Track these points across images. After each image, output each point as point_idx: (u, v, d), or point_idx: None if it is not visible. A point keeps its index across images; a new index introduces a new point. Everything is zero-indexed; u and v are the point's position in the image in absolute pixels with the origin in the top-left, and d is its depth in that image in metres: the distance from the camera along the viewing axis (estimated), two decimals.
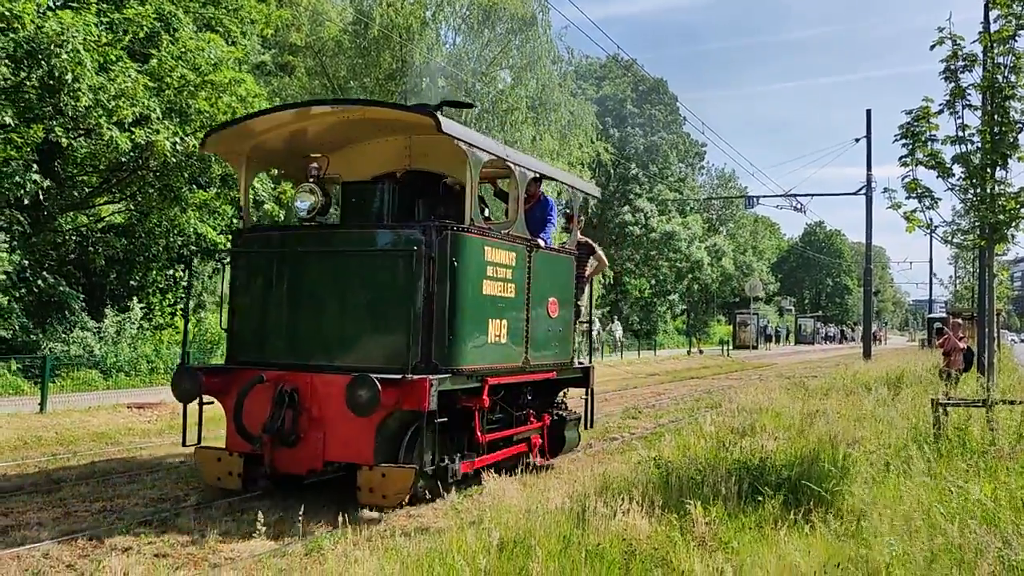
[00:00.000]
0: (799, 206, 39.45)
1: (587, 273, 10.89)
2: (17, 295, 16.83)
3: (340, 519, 6.79)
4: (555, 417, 10.45)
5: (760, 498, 6.75)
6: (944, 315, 37.88)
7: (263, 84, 24.35)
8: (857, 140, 34.59)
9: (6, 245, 15.88)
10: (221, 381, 8.28)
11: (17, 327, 16.79)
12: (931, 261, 53.67)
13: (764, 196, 58.27)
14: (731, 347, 51.93)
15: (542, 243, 9.41)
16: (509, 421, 9.47)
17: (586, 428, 11.10)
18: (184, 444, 8.65)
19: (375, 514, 7.57)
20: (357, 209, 8.79)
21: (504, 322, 8.60)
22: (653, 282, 55.27)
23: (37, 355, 16.05)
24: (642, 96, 57.03)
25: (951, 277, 50.47)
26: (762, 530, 6.09)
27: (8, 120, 14.20)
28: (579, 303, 10.69)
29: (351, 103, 9.44)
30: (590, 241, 11.16)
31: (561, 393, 10.90)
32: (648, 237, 53.41)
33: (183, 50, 16.82)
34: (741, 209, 71.63)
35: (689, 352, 46.46)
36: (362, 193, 8.90)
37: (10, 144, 14.69)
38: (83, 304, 18.71)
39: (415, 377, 7.37)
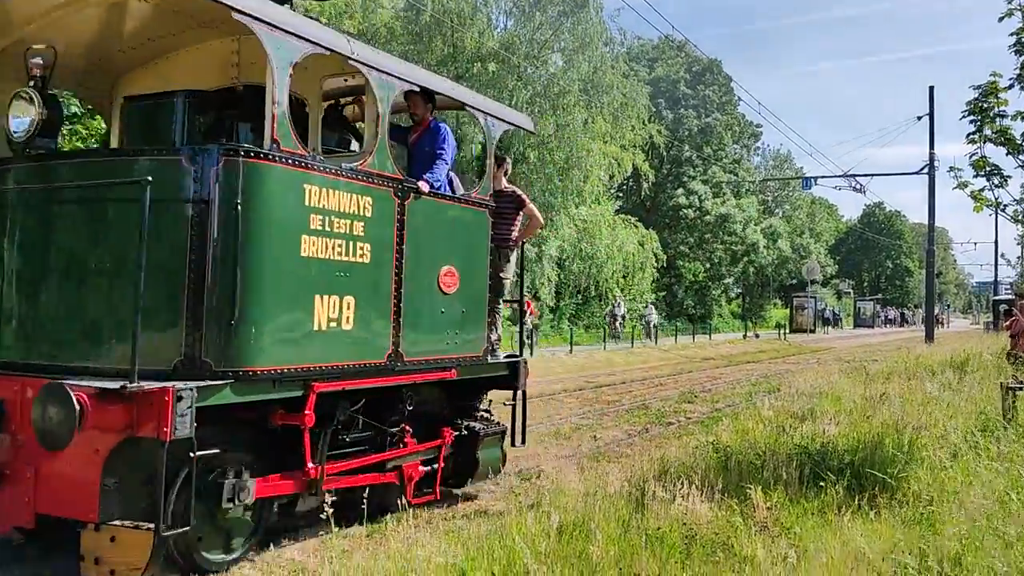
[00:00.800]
0: (858, 187, 38.66)
1: (514, 235, 8.10)
2: None
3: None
4: (462, 432, 7.57)
5: (822, 483, 6.66)
6: (1011, 296, 36.84)
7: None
8: (919, 118, 33.75)
9: None
10: None
11: None
12: (996, 241, 52.13)
13: (822, 177, 57.17)
14: (788, 331, 51.15)
15: (425, 187, 6.57)
16: (381, 442, 6.72)
17: (514, 445, 8.26)
18: None
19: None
20: (142, 137, 6.47)
21: (349, 300, 5.85)
22: (707, 265, 54.68)
23: None
24: (696, 77, 56.27)
25: (1019, 257, 49.01)
26: (825, 516, 6.01)
27: (75, 110, 14.56)
28: (502, 274, 7.91)
29: None
30: (518, 191, 8.25)
31: (486, 399, 8.24)
32: (702, 220, 52.83)
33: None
34: (798, 190, 70.36)
35: (745, 336, 45.90)
36: (148, 113, 6.40)
37: (76, 135, 15.08)
38: None
39: (146, 387, 4.69)
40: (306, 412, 5.59)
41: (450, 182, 7.44)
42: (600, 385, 19.09)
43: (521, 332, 9.32)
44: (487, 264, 7.48)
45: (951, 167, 9.43)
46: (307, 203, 5.52)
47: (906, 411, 9.54)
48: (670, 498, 6.12)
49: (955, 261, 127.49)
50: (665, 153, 51.61)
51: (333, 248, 5.73)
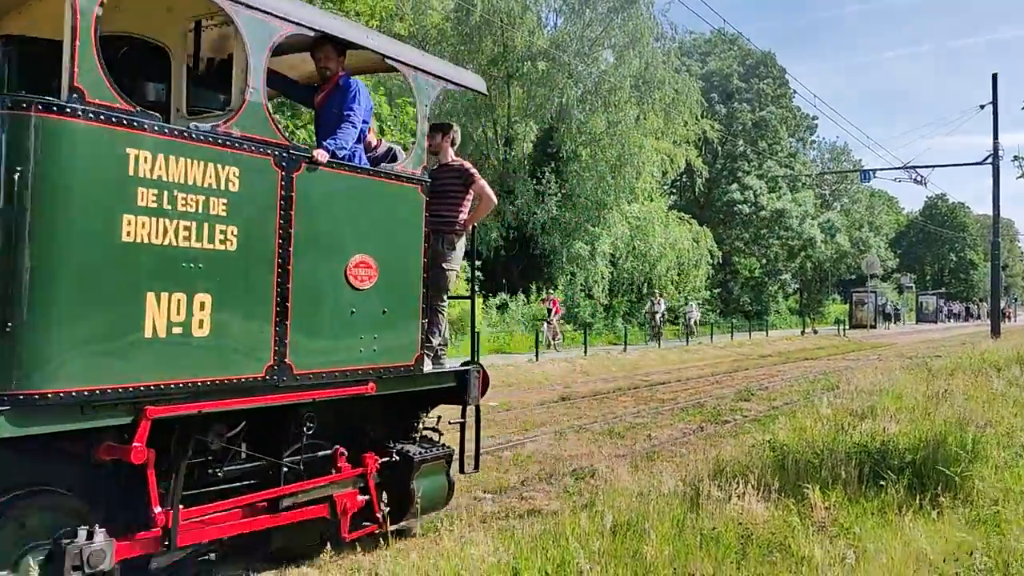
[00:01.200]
0: (919, 178, 37.72)
1: (461, 217, 6.71)
2: None
3: (455, 502, 6.91)
4: (392, 458, 6.25)
5: (882, 482, 6.54)
6: None
7: (369, 75, 24.88)
8: (982, 107, 32.79)
9: None
10: None
11: None
12: None
13: (881, 169, 55.98)
14: (847, 327, 50.18)
15: (322, 156, 5.25)
16: (273, 475, 5.50)
17: (463, 471, 6.94)
18: None
19: (488, 495, 7.66)
20: None
21: (203, 298, 4.57)
22: (763, 261, 53.97)
23: None
24: (749, 70, 55.53)
25: None
26: (885, 515, 5.91)
27: None
28: (445, 265, 6.54)
29: None
30: (466, 164, 6.88)
31: (429, 416, 6.89)
32: (758, 215, 52.11)
33: None
34: (856, 183, 69.07)
35: (803, 332, 45.17)
36: None
37: None
38: None
39: None
40: (135, 444, 4.31)
41: (392, 157, 6.44)
42: (655, 383, 18.97)
43: (473, 335, 7.51)
44: (421, 252, 6.04)
45: (1015, 156, 9.17)
46: (132, 173, 4.22)
47: (970, 408, 9.30)
48: (725, 498, 6.07)
49: (1022, 253, 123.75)
50: (719, 148, 51.06)
51: (177, 232, 4.42)
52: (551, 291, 27.75)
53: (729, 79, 54.61)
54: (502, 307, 28.62)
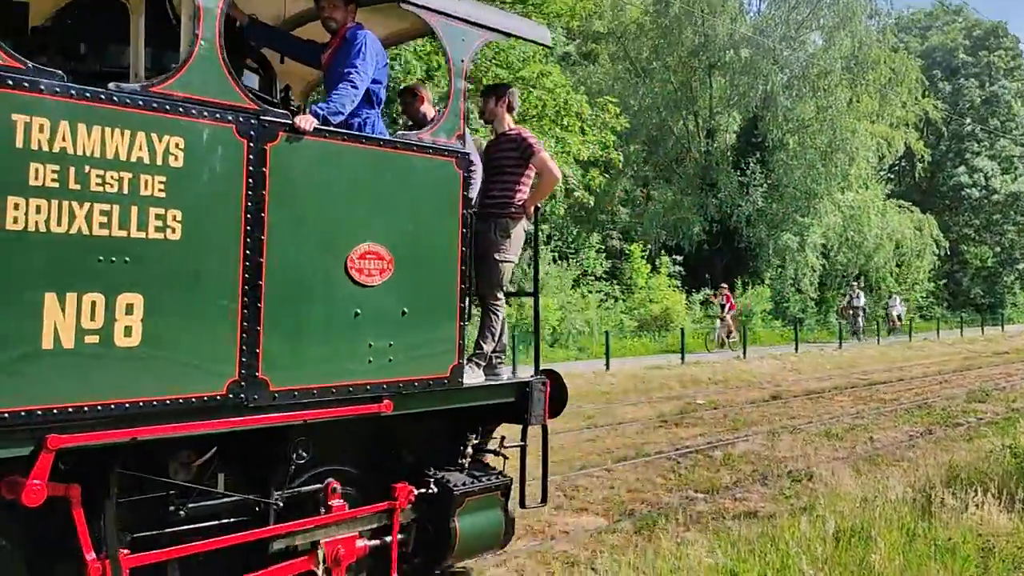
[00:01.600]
0: None
1: (518, 197, 5.39)
2: None
3: (667, 499, 6.90)
4: (430, 490, 4.92)
5: None
6: None
7: (568, 74, 25.19)
8: None
9: None
10: None
11: None
12: None
13: None
14: None
15: (307, 123, 4.15)
16: (261, 511, 4.39)
17: (525, 506, 5.59)
18: None
19: (700, 495, 7.57)
20: None
21: (130, 300, 3.61)
22: (997, 249, 49.54)
23: None
24: (977, 43, 51.16)
25: None
26: None
27: None
28: (497, 256, 5.29)
29: None
30: (524, 133, 5.53)
31: (493, 437, 5.53)
32: (989, 199, 47.97)
33: (496, 50, 17.84)
34: None
35: None
36: None
37: None
38: None
39: None
40: (32, 482, 3.38)
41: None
42: (874, 382, 17.94)
43: (537, 340, 5.81)
44: (458, 240, 4.86)
45: None
46: (22, 144, 3.35)
47: None
48: (962, 506, 5.70)
49: None
50: (943, 129, 47.51)
51: (90, 218, 3.53)
52: (724, 285, 26.44)
53: (953, 54, 50.59)
54: (705, 303, 28.02)
